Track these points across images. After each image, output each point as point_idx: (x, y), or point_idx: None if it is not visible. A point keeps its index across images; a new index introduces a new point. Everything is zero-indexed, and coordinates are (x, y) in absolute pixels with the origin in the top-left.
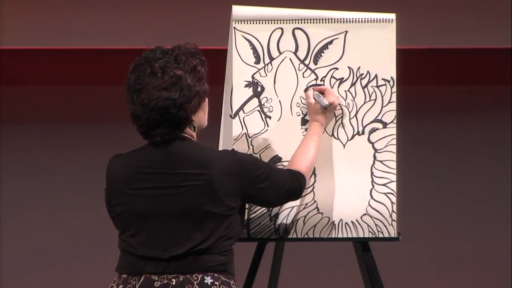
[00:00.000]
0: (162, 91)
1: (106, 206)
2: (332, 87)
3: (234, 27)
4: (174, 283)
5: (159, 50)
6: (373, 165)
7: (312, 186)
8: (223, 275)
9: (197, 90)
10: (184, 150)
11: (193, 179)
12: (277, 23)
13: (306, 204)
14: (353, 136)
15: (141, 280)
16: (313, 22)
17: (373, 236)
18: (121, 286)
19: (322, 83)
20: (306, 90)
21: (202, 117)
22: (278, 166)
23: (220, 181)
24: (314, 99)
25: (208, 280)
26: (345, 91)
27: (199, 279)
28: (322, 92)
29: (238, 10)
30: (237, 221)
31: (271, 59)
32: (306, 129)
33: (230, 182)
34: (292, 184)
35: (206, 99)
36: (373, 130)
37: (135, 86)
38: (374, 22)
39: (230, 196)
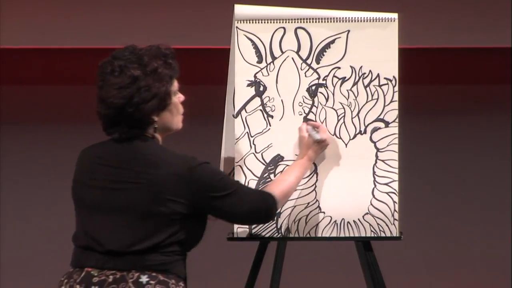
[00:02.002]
0: (118, 90)
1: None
2: (334, 87)
3: (237, 27)
4: (110, 279)
5: (129, 49)
6: (375, 164)
7: (314, 186)
8: (162, 275)
9: (155, 92)
10: (140, 148)
11: (139, 178)
12: (280, 22)
13: (308, 203)
14: (355, 136)
15: (82, 275)
16: (315, 22)
17: (375, 235)
18: (66, 280)
19: (324, 82)
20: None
21: (169, 118)
22: (280, 166)
23: (166, 184)
24: (308, 132)
25: (144, 278)
26: (347, 90)
27: (135, 277)
28: (316, 127)
29: (240, 10)
30: (188, 228)
31: (274, 58)
32: None
33: (177, 187)
34: (258, 203)
35: (176, 100)
36: (375, 129)
37: (98, 83)
38: (376, 21)
39: (175, 200)
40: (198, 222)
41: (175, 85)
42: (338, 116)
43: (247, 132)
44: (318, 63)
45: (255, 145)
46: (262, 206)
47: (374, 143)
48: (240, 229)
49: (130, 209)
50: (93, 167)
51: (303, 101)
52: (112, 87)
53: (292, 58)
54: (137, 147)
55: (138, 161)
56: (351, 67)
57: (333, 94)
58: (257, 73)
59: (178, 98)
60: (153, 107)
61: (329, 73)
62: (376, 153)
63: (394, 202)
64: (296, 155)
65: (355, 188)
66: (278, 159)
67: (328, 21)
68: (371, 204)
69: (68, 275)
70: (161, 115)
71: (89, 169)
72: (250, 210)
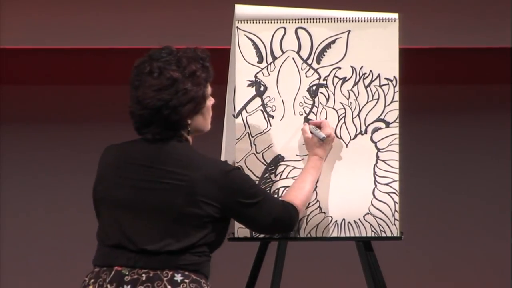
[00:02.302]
0: (156, 92)
1: (92, 190)
2: (334, 87)
3: (237, 27)
4: (144, 278)
5: (166, 50)
6: (375, 164)
7: (315, 186)
8: (194, 274)
9: (193, 96)
10: (174, 149)
11: (174, 178)
12: (280, 22)
13: (309, 203)
14: (355, 136)
15: (112, 274)
16: (316, 22)
17: (376, 235)
18: (93, 280)
19: (324, 82)
20: (304, 122)
21: (201, 121)
22: (281, 166)
23: (201, 186)
24: (311, 132)
25: (178, 277)
26: (347, 90)
27: (169, 275)
28: (318, 126)
29: (241, 10)
30: (217, 231)
31: (274, 58)
32: None
33: (211, 190)
34: (282, 214)
35: (208, 104)
36: (376, 130)
37: (134, 82)
38: (377, 21)
39: (209, 203)
40: (224, 225)
41: (209, 88)
42: (338, 116)
43: (248, 132)
44: (318, 63)
45: (255, 145)
46: (286, 217)
47: (375, 143)
48: (241, 229)
49: (164, 209)
50: (124, 165)
51: (304, 101)
52: (150, 89)
53: (293, 58)
54: (171, 148)
55: (172, 162)
56: (351, 67)
57: (334, 94)
58: (257, 73)
59: (210, 101)
60: (189, 110)
61: (330, 73)
62: (377, 153)
63: (395, 202)
64: (297, 155)
65: (356, 188)
66: (279, 159)
67: (328, 21)
68: (372, 204)
69: (94, 274)
70: (194, 118)
71: (118, 167)
72: (274, 221)
